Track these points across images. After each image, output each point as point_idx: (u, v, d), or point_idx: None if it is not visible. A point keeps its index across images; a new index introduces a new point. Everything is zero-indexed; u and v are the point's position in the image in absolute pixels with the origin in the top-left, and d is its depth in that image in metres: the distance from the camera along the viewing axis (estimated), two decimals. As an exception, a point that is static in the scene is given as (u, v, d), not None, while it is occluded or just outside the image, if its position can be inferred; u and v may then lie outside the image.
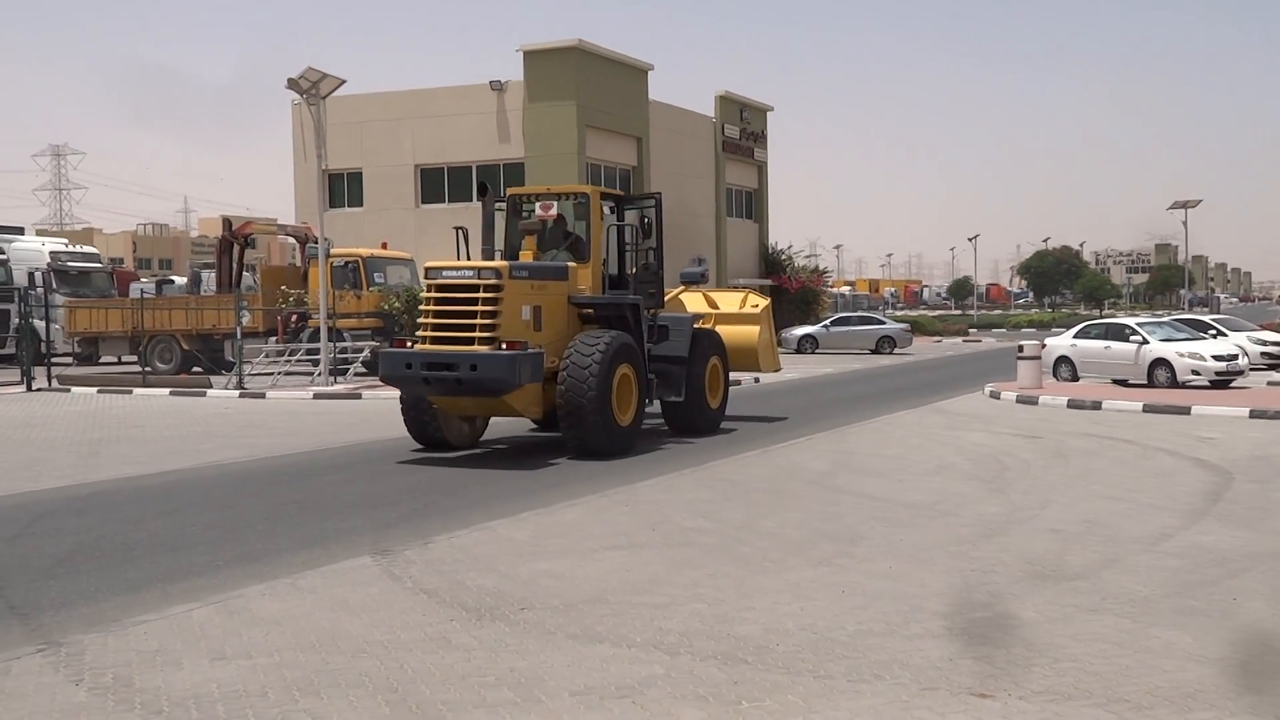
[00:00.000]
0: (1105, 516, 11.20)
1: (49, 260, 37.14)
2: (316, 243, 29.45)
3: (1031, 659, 6.63)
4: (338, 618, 7.58)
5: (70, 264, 38.64)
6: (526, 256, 16.18)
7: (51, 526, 11.12)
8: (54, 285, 34.33)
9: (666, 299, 18.63)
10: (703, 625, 7.32)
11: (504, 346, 14.00)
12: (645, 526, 10.71)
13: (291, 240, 38.07)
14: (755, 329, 19.83)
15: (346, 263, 31.16)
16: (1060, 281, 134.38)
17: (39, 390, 26.93)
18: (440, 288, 14.95)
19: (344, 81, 31.11)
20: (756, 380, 30.42)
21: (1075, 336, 28.57)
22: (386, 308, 30.54)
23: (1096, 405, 22.39)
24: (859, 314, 56.35)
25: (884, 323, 49.37)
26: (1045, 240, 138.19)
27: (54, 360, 29.31)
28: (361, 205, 41.61)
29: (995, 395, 24.96)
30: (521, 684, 6.21)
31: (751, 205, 52.64)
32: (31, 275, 34.17)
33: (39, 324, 29.55)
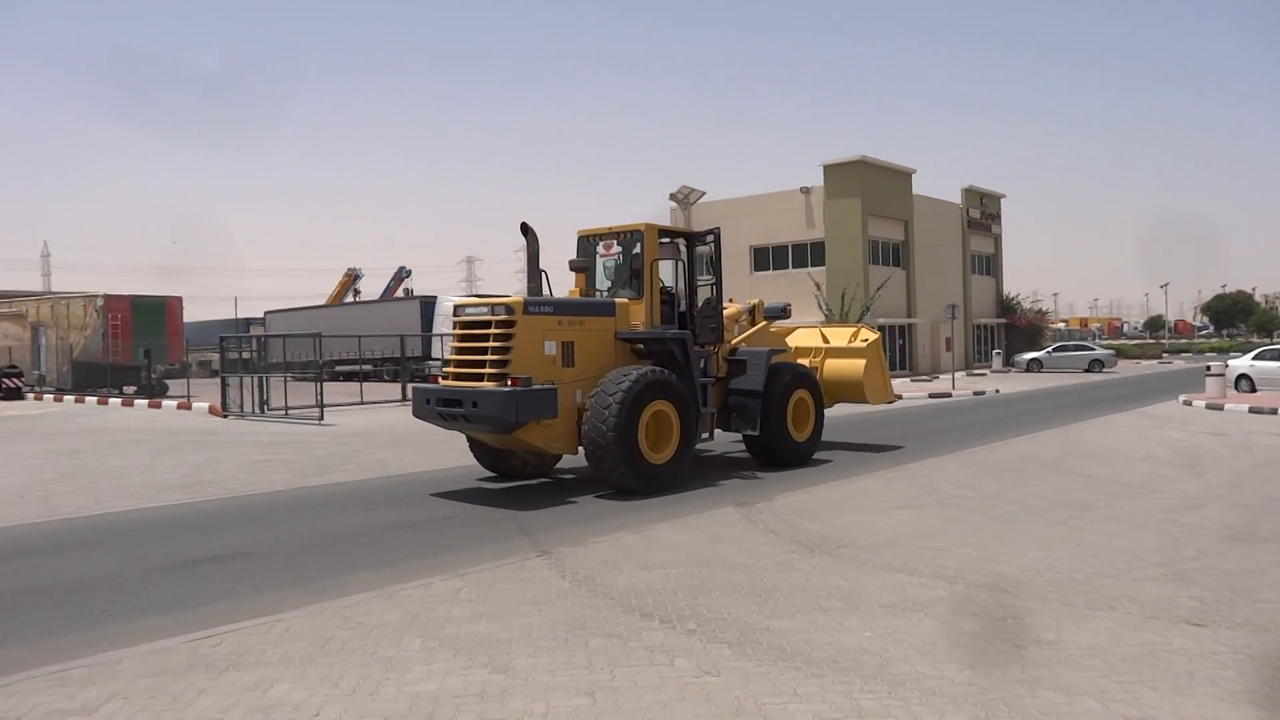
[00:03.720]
0: (1289, 496, 9.81)
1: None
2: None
3: (1234, 600, 5.92)
4: (716, 546, 7.69)
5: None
6: (575, 294, 11.98)
7: (537, 481, 11.72)
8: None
9: (775, 332, 14.23)
10: (971, 564, 6.97)
11: (509, 383, 9.95)
12: (922, 493, 10.30)
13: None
14: (861, 362, 14.69)
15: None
16: (1236, 317, 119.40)
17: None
18: (463, 324, 10.81)
19: (705, 193, 31.99)
20: (997, 391, 28.64)
21: (1254, 358, 25.19)
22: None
23: (1274, 411, 19.58)
24: (1074, 342, 51.88)
25: (1094, 349, 45.12)
26: (1223, 285, 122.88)
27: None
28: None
29: (1188, 403, 22.29)
30: (844, 597, 6.13)
31: (989, 265, 49.49)
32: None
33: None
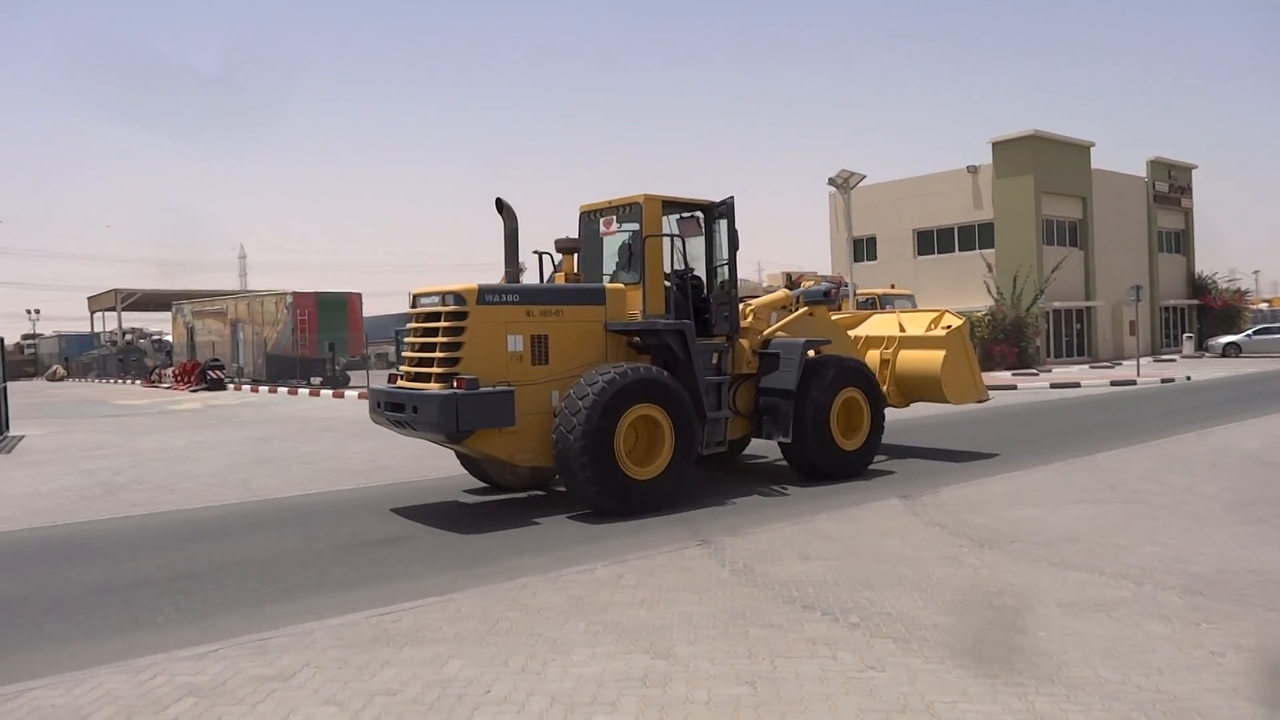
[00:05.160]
0: None
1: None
2: (846, 285, 29.58)
3: None
4: (878, 538, 7.50)
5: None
6: (561, 278, 10.55)
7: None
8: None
9: (826, 320, 11.82)
10: (1160, 563, 6.50)
11: (455, 385, 8.55)
12: (1104, 487, 9.67)
13: (829, 285, 38.50)
14: (939, 354, 12.21)
15: (867, 299, 31.07)
16: None
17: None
18: (418, 317, 9.39)
19: (865, 176, 31.16)
20: (1188, 378, 26.52)
21: None
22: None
23: None
24: (1279, 324, 47.37)
25: (1303, 331, 41.11)
26: None
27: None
28: (875, 259, 41.12)
29: None
30: (1017, 594, 5.85)
31: (1179, 242, 45.86)
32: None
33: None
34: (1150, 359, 37.21)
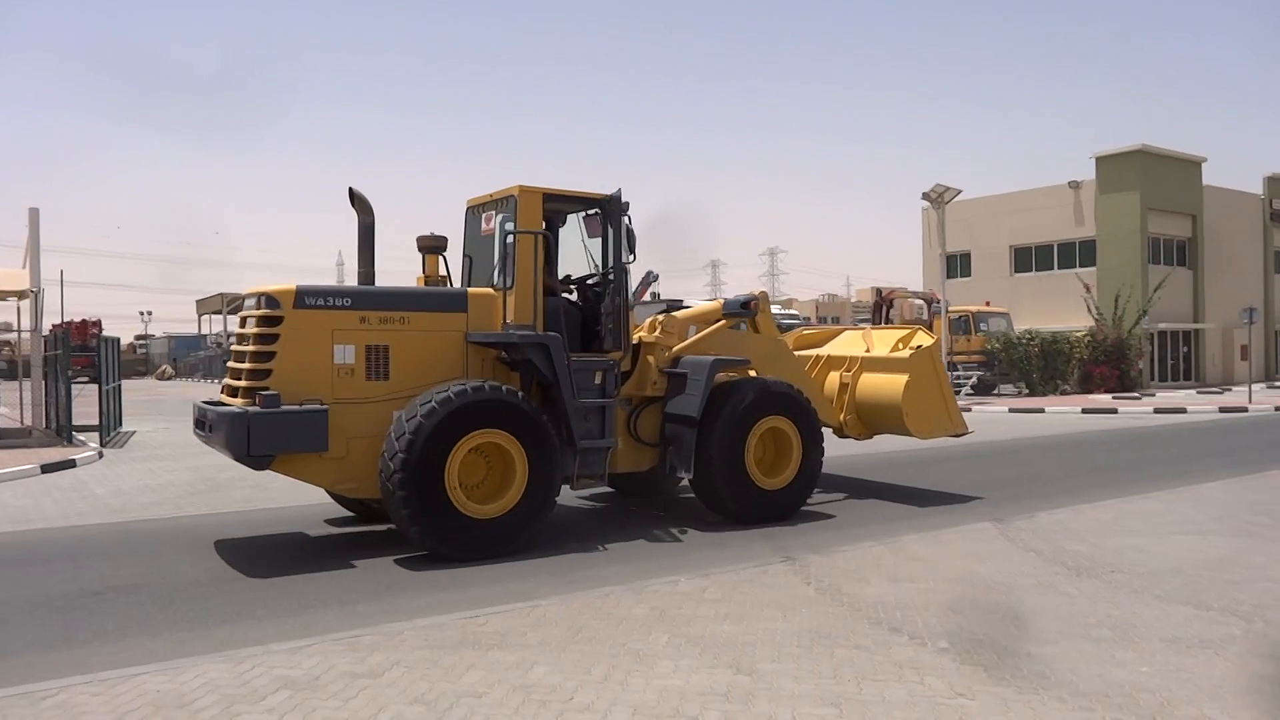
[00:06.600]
0: None
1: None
2: (939, 303, 28.97)
3: None
4: (969, 562, 7.30)
5: (783, 321, 41.15)
6: (421, 281, 9.04)
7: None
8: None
9: (808, 335, 10.87)
10: (1272, 600, 6.15)
11: (257, 401, 7.35)
12: (1211, 518, 9.21)
13: (920, 301, 37.72)
14: (901, 379, 10.44)
15: (961, 316, 30.48)
16: None
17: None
18: (241, 321, 8.28)
19: (960, 191, 30.45)
20: (1245, 410, 25.08)
21: None
22: (988, 347, 29.78)
23: None
24: None
25: None
26: None
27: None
28: (970, 276, 40.11)
29: None
30: (1117, 627, 5.61)
31: (1298, 263, 43.61)
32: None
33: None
34: (1263, 385, 35.33)
